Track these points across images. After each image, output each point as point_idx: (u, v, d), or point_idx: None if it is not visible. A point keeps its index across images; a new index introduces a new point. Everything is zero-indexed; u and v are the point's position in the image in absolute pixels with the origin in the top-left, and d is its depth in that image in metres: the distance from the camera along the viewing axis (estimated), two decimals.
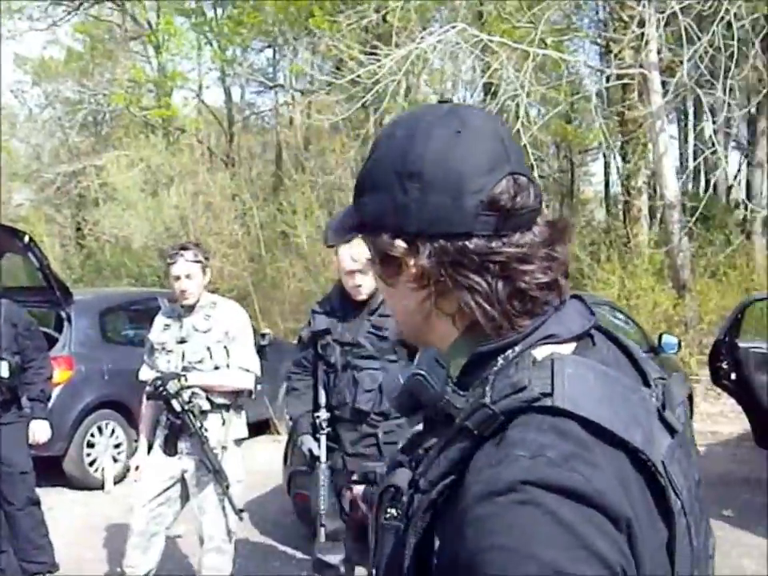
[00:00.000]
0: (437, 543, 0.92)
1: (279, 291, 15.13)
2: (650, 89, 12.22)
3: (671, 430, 0.94)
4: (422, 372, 1.03)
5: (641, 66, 11.98)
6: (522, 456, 0.86)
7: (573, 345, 1.00)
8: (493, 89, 13.24)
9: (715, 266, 16.42)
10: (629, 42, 11.83)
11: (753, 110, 17.26)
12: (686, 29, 9.75)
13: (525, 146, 11.42)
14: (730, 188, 26.94)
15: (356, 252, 3.99)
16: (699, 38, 9.49)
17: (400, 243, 1.03)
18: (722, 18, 9.01)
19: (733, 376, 6.93)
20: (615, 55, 13.30)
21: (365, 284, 3.97)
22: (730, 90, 9.82)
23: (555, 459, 0.85)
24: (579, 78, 18.68)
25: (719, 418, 9.88)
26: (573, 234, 1.07)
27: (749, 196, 17.90)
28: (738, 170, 27.83)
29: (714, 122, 13.58)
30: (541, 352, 0.97)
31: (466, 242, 0.99)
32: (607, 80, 12.22)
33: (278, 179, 19.15)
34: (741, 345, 6.97)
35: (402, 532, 0.97)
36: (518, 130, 11.26)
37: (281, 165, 19.97)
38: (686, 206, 14.14)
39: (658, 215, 15.90)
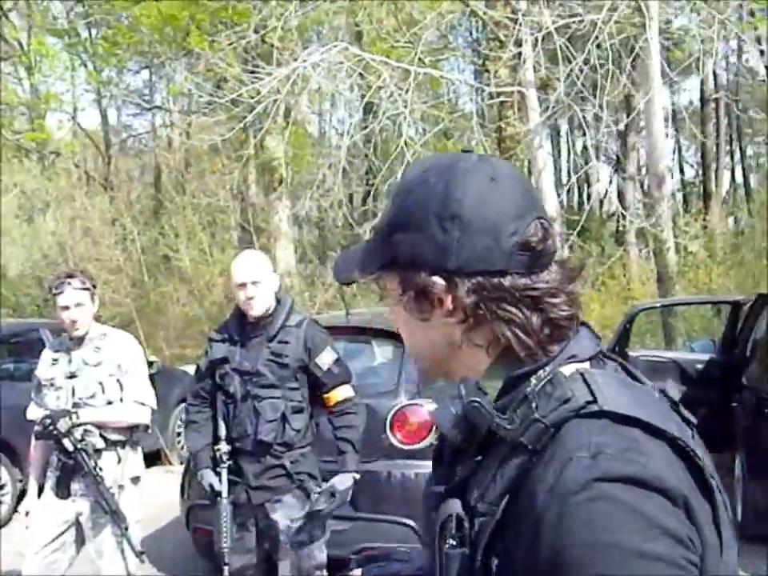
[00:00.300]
0: (495, 561, 1.01)
1: (163, 316, 14.78)
2: (528, 106, 12.50)
3: (689, 423, 1.08)
4: (478, 399, 1.09)
5: (518, 84, 12.26)
6: (583, 457, 0.96)
7: (588, 364, 1.12)
8: (374, 108, 13.34)
9: (594, 277, 16.97)
10: (506, 61, 12.09)
11: (622, 126, 17.95)
12: (560, 48, 10.03)
13: (408, 162, 11.53)
14: (602, 201, 27.99)
15: (247, 264, 3.93)
16: (574, 57, 9.78)
17: (438, 280, 1.11)
18: (596, 37, 9.31)
19: None
20: (492, 74, 13.63)
21: (257, 296, 3.89)
22: (606, 105, 10.15)
23: (614, 454, 0.95)
24: (457, 96, 19.06)
25: None
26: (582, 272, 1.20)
27: (623, 208, 18.60)
28: (609, 183, 28.96)
29: (589, 138, 14.02)
30: (567, 370, 1.08)
31: (502, 279, 1.09)
32: (489, 97, 12.44)
33: (158, 202, 18.77)
34: (630, 354, 7.21)
35: (469, 558, 1.03)
36: (402, 148, 11.37)
37: (160, 187, 19.58)
38: (565, 219, 14.57)
39: None
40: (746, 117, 23.56)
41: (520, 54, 11.79)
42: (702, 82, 20.88)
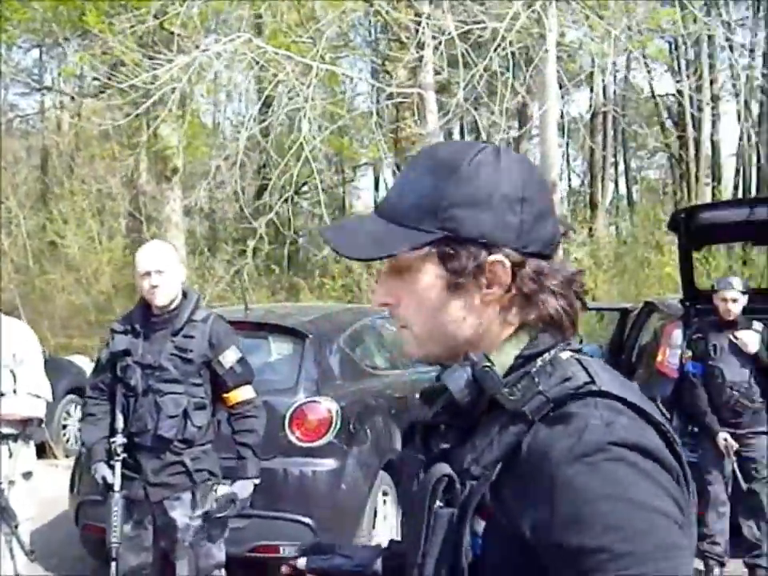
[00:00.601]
0: (482, 524, 1.08)
1: (49, 304, 14.31)
2: (426, 108, 12.65)
3: (661, 412, 1.15)
4: (489, 365, 1.14)
5: (418, 86, 12.39)
6: (598, 425, 1.04)
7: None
8: (272, 102, 13.23)
9: None
10: (406, 63, 12.20)
11: (515, 133, 18.35)
12: (462, 53, 10.20)
13: (306, 158, 11.50)
14: None
15: (151, 253, 3.87)
16: (475, 64, 9.96)
17: (508, 258, 1.15)
18: (498, 45, 9.51)
19: None
20: (391, 74, 13.73)
21: (162, 285, 3.82)
22: (504, 112, 10.37)
23: (624, 425, 1.04)
24: (355, 95, 19.10)
25: None
26: None
27: None
28: None
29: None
30: (564, 355, 1.16)
31: (552, 263, 1.19)
32: (388, 98, 12.53)
33: (45, 186, 18.13)
34: None
35: (457, 518, 1.08)
36: (301, 144, 11.32)
37: (48, 171, 18.91)
38: None
39: None
40: (631, 130, 24.39)
41: (421, 57, 11.93)
42: (593, 95, 21.56)
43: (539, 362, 1.14)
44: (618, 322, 8.18)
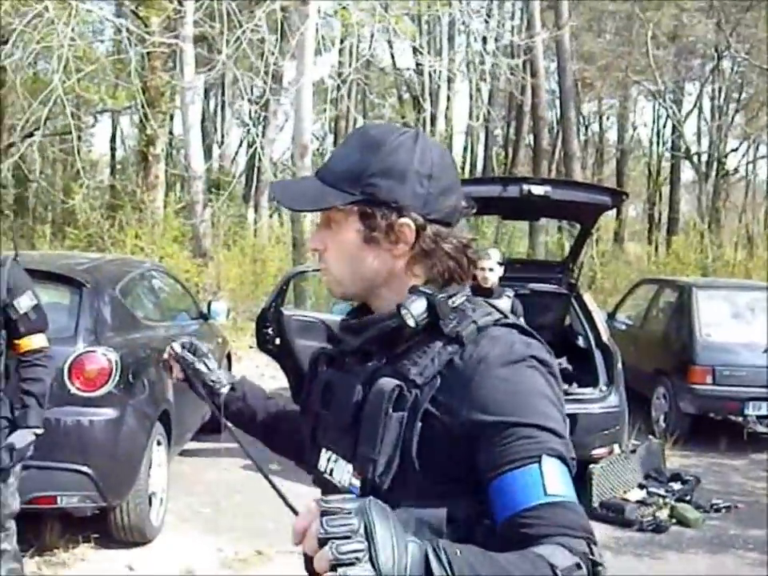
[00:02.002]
0: (419, 425, 1.36)
1: None
2: (184, 61, 12.46)
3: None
4: (444, 297, 1.45)
5: (176, 37, 12.17)
6: (520, 342, 1.40)
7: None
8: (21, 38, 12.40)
9: (228, 237, 17.37)
10: (165, 12, 11.94)
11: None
12: (227, 11, 10.18)
13: (49, 100, 10.95)
14: (232, 161, 28.47)
15: None
16: (240, 24, 9.99)
17: (412, 221, 1.43)
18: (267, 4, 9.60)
19: (277, 341, 7.56)
20: (144, 21, 13.34)
21: None
22: (266, 73, 10.48)
23: (536, 346, 1.42)
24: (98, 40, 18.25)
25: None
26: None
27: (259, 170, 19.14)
28: (239, 146, 29.48)
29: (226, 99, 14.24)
30: (474, 299, 1.50)
31: (451, 229, 1.48)
32: (150, 46, 12.18)
33: None
34: (285, 312, 7.62)
35: (407, 419, 1.36)
36: (45, 84, 10.78)
37: None
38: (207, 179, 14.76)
39: (179, 185, 16.31)
40: (372, 99, 25.28)
41: (180, 5, 11.72)
42: (340, 61, 22.09)
43: (458, 299, 1.46)
44: None
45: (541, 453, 1.28)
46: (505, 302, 6.00)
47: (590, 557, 1.21)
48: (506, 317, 1.46)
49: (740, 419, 8.38)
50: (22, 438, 3.85)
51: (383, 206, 1.43)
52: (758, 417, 8.31)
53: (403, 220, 1.42)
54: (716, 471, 7.45)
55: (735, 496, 6.74)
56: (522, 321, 4.92)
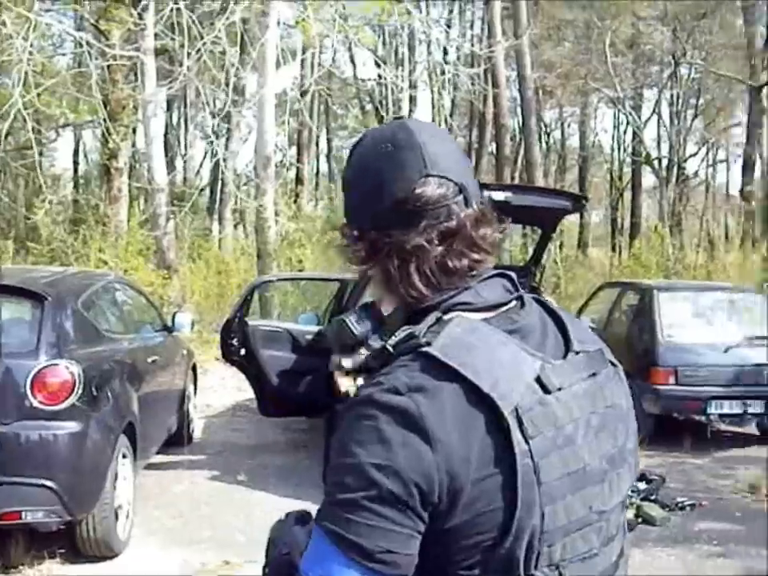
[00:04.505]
0: None
1: None
2: (145, 74, 12.43)
3: (545, 389, 1.16)
4: (345, 318, 1.29)
5: (137, 50, 12.13)
6: (380, 382, 1.13)
7: (489, 313, 1.23)
8: None
9: (192, 250, 17.33)
10: (125, 25, 11.91)
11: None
12: (188, 22, 10.17)
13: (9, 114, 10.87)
14: (196, 173, 28.41)
15: None
16: (201, 36, 10.00)
17: (352, 233, 1.29)
18: (227, 18, 9.62)
19: (242, 351, 7.54)
20: (105, 35, 13.28)
21: None
22: (227, 84, 10.48)
23: (400, 388, 1.11)
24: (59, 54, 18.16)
25: (212, 393, 10.55)
26: (490, 223, 1.28)
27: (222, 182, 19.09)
28: (204, 158, 29.46)
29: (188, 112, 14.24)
30: (451, 316, 1.20)
31: (389, 233, 1.23)
32: (111, 59, 12.13)
33: None
34: (250, 323, 7.61)
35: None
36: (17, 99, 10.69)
37: None
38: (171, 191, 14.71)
39: (142, 198, 16.23)
40: (335, 110, 25.35)
41: (141, 21, 11.69)
42: (303, 73, 22.12)
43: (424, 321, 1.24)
44: (337, 291, 8.61)
45: (317, 521, 1.13)
46: None
47: None
48: (429, 344, 1.15)
49: (703, 418, 8.50)
50: None
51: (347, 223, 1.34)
52: (720, 415, 8.44)
53: (351, 233, 1.31)
54: (680, 470, 7.55)
55: (699, 493, 6.83)
56: None
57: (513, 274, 1.30)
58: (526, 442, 1.11)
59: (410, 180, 1.22)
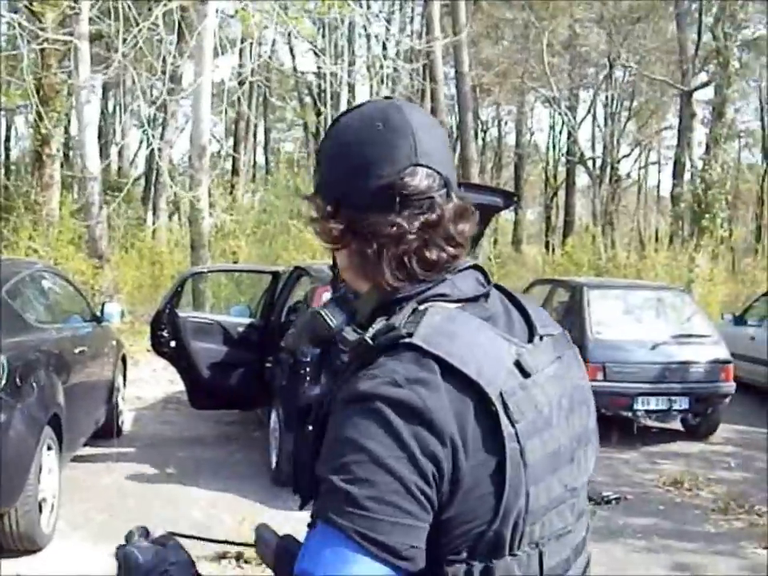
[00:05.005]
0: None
1: None
2: (79, 59, 12.18)
3: (524, 373, 1.17)
4: (320, 310, 1.26)
5: (71, 35, 11.88)
6: (376, 375, 1.10)
7: (463, 304, 1.22)
8: None
9: (125, 240, 17.06)
10: (60, 8, 11.65)
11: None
12: (123, 8, 10.00)
13: None
14: (131, 163, 28.00)
15: None
16: (138, 23, 9.83)
17: (325, 208, 1.25)
18: (164, 5, 9.48)
19: (172, 343, 7.45)
20: (38, 18, 12.97)
21: None
22: (163, 73, 10.33)
23: (400, 381, 1.09)
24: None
25: (143, 384, 10.42)
26: (468, 219, 1.26)
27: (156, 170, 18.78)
28: (139, 147, 29.01)
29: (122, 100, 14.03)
30: (428, 306, 1.19)
31: (366, 215, 1.21)
32: (43, 42, 11.85)
33: None
34: (180, 314, 7.52)
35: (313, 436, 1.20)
36: None
37: None
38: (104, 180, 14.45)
39: (75, 186, 15.92)
40: (273, 102, 25.19)
41: (75, 2, 11.45)
42: (241, 63, 21.92)
43: (397, 310, 1.22)
44: (270, 283, 8.56)
45: (318, 516, 1.10)
46: None
47: None
48: (411, 334, 1.13)
49: (630, 414, 8.68)
50: None
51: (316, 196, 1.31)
52: (647, 411, 8.63)
53: (326, 208, 1.27)
54: (607, 464, 7.69)
55: (625, 487, 6.97)
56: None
57: (484, 268, 1.31)
58: (513, 425, 1.12)
59: (399, 165, 1.21)
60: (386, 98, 1.34)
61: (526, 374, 1.17)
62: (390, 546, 1.05)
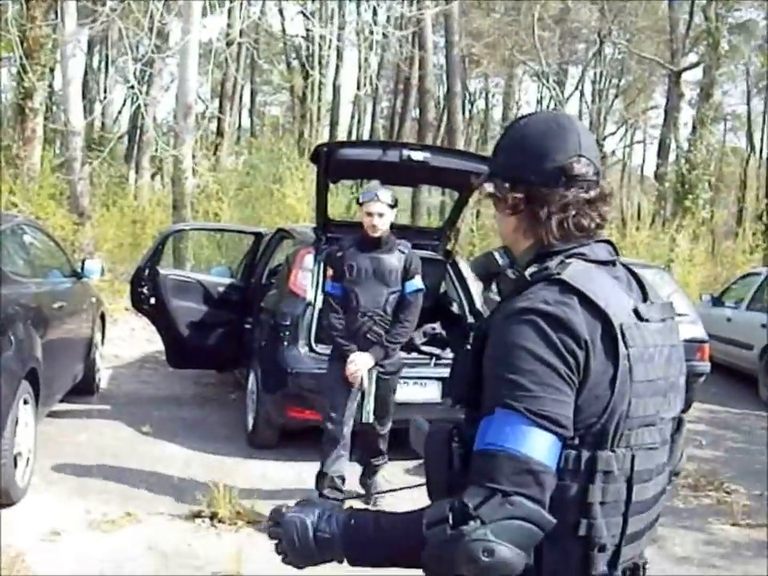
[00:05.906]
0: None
1: None
2: (65, 12, 12.02)
3: (639, 317, 1.57)
4: (492, 251, 1.71)
5: None
6: (531, 297, 1.51)
7: (597, 265, 1.62)
8: None
9: (107, 197, 16.92)
10: None
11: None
12: None
13: None
14: (115, 120, 27.68)
15: None
16: None
17: (505, 184, 1.66)
18: None
19: (152, 300, 7.42)
20: None
21: None
22: (152, 31, 10.20)
23: (549, 301, 1.50)
24: None
25: (121, 343, 10.38)
26: (610, 202, 1.68)
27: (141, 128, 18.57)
28: (123, 104, 28.62)
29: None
30: (571, 261, 1.59)
31: (543, 189, 1.61)
32: None
33: None
34: (161, 272, 7.48)
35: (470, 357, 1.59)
36: None
37: None
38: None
39: (58, 141, 15.73)
40: (260, 64, 24.94)
41: None
42: (230, 23, 21.67)
43: (548, 261, 1.65)
44: (252, 244, 8.52)
45: (495, 404, 1.45)
46: (396, 258, 5.13)
47: (467, 509, 1.38)
48: (559, 273, 1.54)
49: None
50: None
51: (494, 178, 1.71)
52: None
53: (504, 185, 1.67)
54: None
55: None
56: (418, 279, 4.91)
57: (613, 241, 1.73)
58: (626, 348, 1.51)
59: (568, 154, 1.62)
60: (553, 110, 1.71)
61: (640, 318, 1.57)
62: (553, 417, 1.42)
